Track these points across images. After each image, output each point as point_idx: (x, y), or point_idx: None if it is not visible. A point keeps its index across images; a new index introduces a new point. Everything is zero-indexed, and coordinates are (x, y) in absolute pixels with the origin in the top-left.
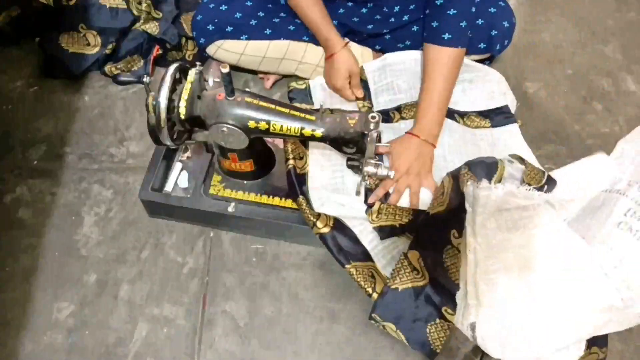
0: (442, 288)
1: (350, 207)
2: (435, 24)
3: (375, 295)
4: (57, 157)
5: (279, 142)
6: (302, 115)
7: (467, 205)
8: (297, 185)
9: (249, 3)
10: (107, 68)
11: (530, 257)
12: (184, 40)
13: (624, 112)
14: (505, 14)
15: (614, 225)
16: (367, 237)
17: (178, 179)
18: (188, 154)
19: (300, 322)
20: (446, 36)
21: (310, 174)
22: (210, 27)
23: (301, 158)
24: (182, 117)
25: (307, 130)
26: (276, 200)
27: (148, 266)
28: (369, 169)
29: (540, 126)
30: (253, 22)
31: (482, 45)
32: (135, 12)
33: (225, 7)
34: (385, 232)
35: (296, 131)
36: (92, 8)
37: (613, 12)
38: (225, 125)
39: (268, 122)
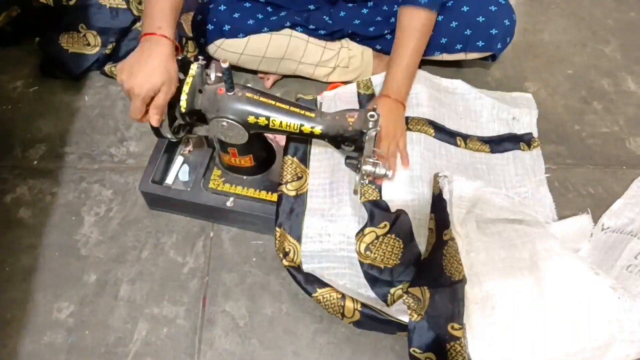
0: (441, 302)
1: (340, 235)
2: None
3: (345, 320)
4: (57, 157)
5: (280, 138)
6: (302, 112)
7: (445, 197)
8: (280, 214)
9: (247, 5)
10: (107, 68)
11: (535, 277)
12: (184, 40)
13: (624, 112)
14: (505, 12)
15: (623, 268)
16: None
17: (179, 172)
18: (190, 147)
19: (300, 322)
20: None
21: (309, 193)
22: (210, 27)
23: (300, 178)
24: (183, 110)
25: (307, 127)
26: (275, 197)
27: (148, 266)
28: (367, 167)
29: (540, 126)
30: (251, 21)
31: (480, 44)
32: (135, 12)
33: (224, 7)
34: (369, 278)
35: (295, 127)
36: (92, 8)
37: (613, 12)
38: (225, 119)
39: (268, 118)
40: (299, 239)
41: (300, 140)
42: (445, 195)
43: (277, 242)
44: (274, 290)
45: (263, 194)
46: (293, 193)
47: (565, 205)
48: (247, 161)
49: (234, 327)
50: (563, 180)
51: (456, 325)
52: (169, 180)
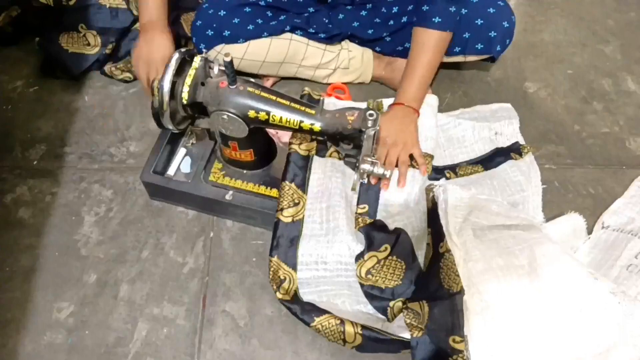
0: (440, 316)
1: (337, 263)
2: (425, 7)
3: (347, 346)
4: (57, 157)
5: (282, 135)
6: (302, 108)
7: (439, 210)
8: (274, 242)
9: (247, 10)
10: (107, 68)
11: (532, 281)
12: (183, 41)
13: (624, 112)
14: (504, 14)
15: (624, 268)
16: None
17: (181, 164)
18: (193, 140)
19: (300, 322)
20: (436, 19)
21: (305, 218)
22: (210, 32)
23: (297, 204)
24: (185, 102)
25: (306, 124)
26: (274, 192)
27: (148, 266)
28: (365, 166)
29: (540, 126)
30: (250, 27)
31: (479, 46)
32: (135, 12)
33: (224, 12)
34: (369, 295)
35: (295, 123)
36: (92, 8)
37: (613, 12)
38: (225, 112)
39: (268, 113)
40: (294, 266)
41: (299, 165)
42: (440, 206)
43: (270, 272)
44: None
45: (262, 189)
46: (289, 220)
47: (565, 205)
48: (247, 155)
49: (234, 327)
50: (563, 180)
51: (457, 338)
52: (171, 171)
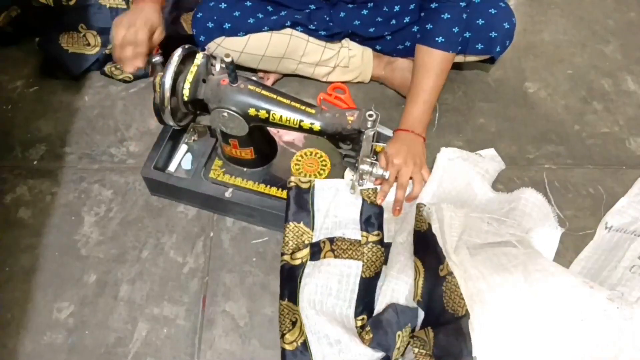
0: (446, 341)
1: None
2: (429, 26)
3: None
4: (57, 157)
5: (282, 134)
6: (302, 107)
7: (434, 230)
8: None
9: (248, 3)
10: (107, 68)
11: (527, 299)
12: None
13: (624, 112)
14: (505, 15)
15: (627, 269)
16: None
17: (182, 160)
18: (195, 137)
19: None
20: (439, 39)
21: (309, 337)
22: (210, 24)
23: (294, 322)
24: (185, 98)
25: (306, 123)
26: (273, 190)
27: (148, 266)
28: (364, 167)
29: (540, 126)
30: (251, 20)
31: (479, 46)
32: None
33: (225, 5)
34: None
35: (295, 122)
36: (92, 8)
37: (613, 12)
38: (226, 110)
39: (268, 111)
40: None
41: (292, 278)
42: (434, 225)
43: None
44: (274, 291)
45: (262, 187)
46: (293, 346)
47: (565, 206)
48: (247, 153)
49: (234, 327)
50: (563, 180)
51: None
52: (172, 167)
